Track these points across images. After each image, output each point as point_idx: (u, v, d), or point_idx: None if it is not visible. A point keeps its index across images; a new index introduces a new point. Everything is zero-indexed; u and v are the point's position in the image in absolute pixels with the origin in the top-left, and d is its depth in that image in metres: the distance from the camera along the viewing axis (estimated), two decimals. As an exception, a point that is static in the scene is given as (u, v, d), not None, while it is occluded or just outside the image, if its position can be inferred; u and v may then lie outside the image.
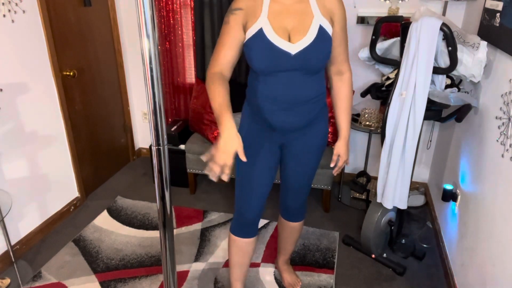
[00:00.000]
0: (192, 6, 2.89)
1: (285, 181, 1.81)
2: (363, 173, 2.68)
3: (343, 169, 3.02)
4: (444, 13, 2.47)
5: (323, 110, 1.63)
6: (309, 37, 1.41)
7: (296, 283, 2.14)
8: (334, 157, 1.69)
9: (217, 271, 2.26)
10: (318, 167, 1.79)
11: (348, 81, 1.64)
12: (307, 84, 1.49)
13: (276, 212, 2.81)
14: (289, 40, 1.41)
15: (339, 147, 1.67)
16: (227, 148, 1.26)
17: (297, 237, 2.03)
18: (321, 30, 1.42)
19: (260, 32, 1.40)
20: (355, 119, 2.76)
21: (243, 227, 1.77)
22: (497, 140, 1.69)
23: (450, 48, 1.81)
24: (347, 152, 1.69)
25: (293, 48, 1.41)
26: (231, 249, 1.84)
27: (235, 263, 1.87)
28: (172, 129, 3.00)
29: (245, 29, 1.44)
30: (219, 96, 1.36)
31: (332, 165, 1.69)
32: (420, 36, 1.82)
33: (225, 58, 1.46)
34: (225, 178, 1.25)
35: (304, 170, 1.74)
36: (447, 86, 2.01)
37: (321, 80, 1.55)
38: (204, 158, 1.30)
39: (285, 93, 1.48)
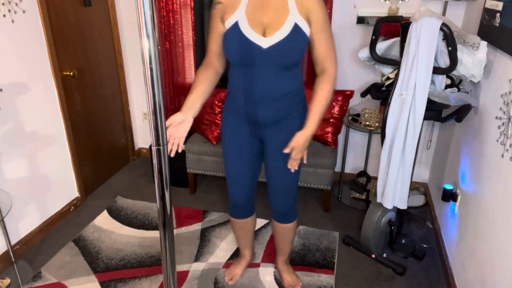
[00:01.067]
0: (192, 6, 2.89)
1: (268, 179, 1.84)
2: (363, 173, 2.68)
3: (343, 169, 3.01)
4: (444, 13, 2.47)
5: (299, 106, 1.63)
6: (282, 33, 1.45)
7: (296, 284, 2.14)
8: (289, 145, 1.53)
9: (217, 271, 2.26)
10: (300, 164, 1.68)
11: (329, 78, 1.55)
12: (279, 80, 1.52)
13: (276, 212, 2.81)
14: (264, 35, 1.46)
15: (297, 138, 1.52)
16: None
17: (291, 238, 2.04)
18: (296, 27, 1.45)
19: (236, 25, 1.48)
20: (355, 119, 2.76)
21: (236, 209, 1.95)
22: (497, 140, 1.69)
23: (450, 48, 1.81)
24: (303, 146, 1.53)
25: (265, 42, 1.45)
26: (233, 227, 2.07)
27: (239, 236, 2.11)
28: (172, 129, 2.99)
29: (223, 22, 1.53)
30: (195, 80, 1.61)
31: (286, 151, 1.55)
32: (420, 36, 1.82)
33: (212, 49, 1.60)
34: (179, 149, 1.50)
35: (281, 166, 1.72)
36: (447, 86, 2.01)
37: (296, 77, 1.57)
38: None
39: (257, 87, 1.54)
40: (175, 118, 1.48)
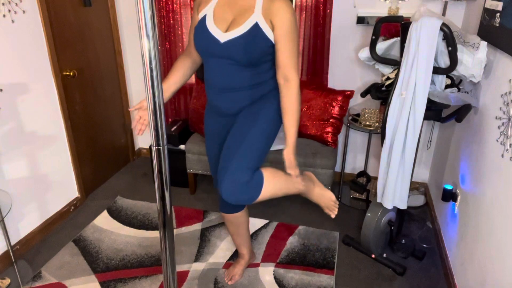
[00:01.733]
0: (192, 6, 2.89)
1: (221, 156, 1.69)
2: (363, 173, 2.68)
3: (343, 169, 3.02)
4: (444, 13, 2.47)
5: (268, 94, 1.64)
6: (241, 30, 1.50)
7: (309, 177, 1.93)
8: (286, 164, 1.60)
9: (217, 271, 2.26)
10: (263, 142, 1.62)
11: (294, 88, 1.56)
12: (238, 74, 1.57)
13: (276, 212, 2.81)
14: (226, 31, 1.54)
15: (285, 155, 1.58)
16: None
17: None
18: (256, 27, 1.50)
19: (203, 19, 1.58)
20: (355, 119, 2.76)
21: (224, 204, 1.96)
22: (497, 140, 1.69)
23: (450, 48, 1.82)
24: (293, 162, 1.58)
25: (223, 36, 1.53)
26: (225, 223, 2.11)
27: (232, 232, 2.11)
28: (172, 129, 3.00)
29: (198, 14, 1.64)
30: (169, 73, 1.73)
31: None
32: (420, 36, 1.82)
33: (190, 39, 1.71)
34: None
35: (239, 129, 1.62)
36: (447, 86, 2.01)
37: (259, 73, 1.60)
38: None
39: (216, 79, 1.62)
40: (144, 102, 1.63)
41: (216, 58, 1.58)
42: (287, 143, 1.60)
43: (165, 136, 1.00)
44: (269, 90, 1.65)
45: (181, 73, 1.73)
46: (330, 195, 1.84)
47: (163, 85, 1.67)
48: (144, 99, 1.55)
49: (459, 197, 2.12)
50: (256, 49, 1.52)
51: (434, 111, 2.04)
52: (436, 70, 1.89)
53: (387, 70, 2.30)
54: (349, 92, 2.69)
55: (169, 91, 1.71)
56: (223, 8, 1.56)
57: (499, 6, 1.76)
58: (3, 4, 2.09)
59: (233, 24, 1.53)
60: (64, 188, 2.74)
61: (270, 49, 1.55)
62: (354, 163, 3.15)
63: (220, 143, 1.81)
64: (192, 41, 1.70)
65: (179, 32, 2.99)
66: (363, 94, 2.40)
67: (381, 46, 2.19)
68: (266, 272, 2.25)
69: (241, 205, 1.98)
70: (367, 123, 2.67)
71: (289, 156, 1.59)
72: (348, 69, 2.84)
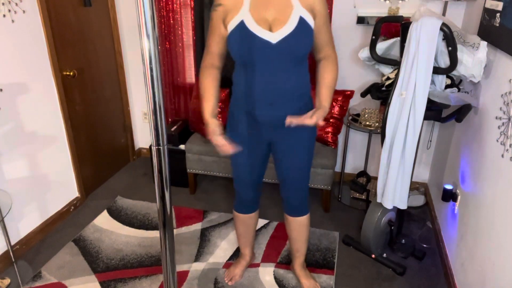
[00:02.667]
0: (192, 6, 2.89)
1: (280, 176, 1.87)
2: (363, 173, 2.68)
3: (343, 169, 3.02)
4: (444, 13, 2.47)
5: (309, 104, 1.67)
6: (290, 26, 1.47)
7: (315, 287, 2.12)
8: (308, 115, 1.49)
9: (217, 271, 2.26)
10: (312, 158, 1.81)
11: (335, 62, 1.64)
12: (290, 75, 1.53)
13: (276, 212, 2.81)
14: (270, 31, 1.47)
15: (317, 112, 1.49)
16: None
17: (306, 234, 2.05)
18: (301, 20, 1.48)
19: (242, 24, 1.48)
20: (355, 119, 2.76)
21: (242, 205, 2.00)
22: (497, 140, 1.69)
23: (450, 48, 1.81)
24: (322, 116, 1.50)
25: (273, 37, 1.47)
26: (236, 222, 2.10)
27: (240, 233, 2.12)
28: (172, 129, 3.00)
29: (225, 24, 1.53)
30: (201, 86, 1.62)
31: (307, 121, 1.49)
32: (420, 36, 1.82)
33: (213, 50, 1.61)
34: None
35: (296, 166, 1.78)
36: (447, 86, 2.01)
37: (305, 72, 1.59)
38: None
39: (268, 86, 1.54)
40: (219, 141, 1.53)
41: (265, 63, 1.51)
42: (322, 106, 1.54)
43: (165, 136, 1.00)
44: (308, 100, 1.66)
45: (215, 87, 1.64)
46: None
47: (208, 106, 1.58)
48: (214, 138, 1.54)
49: (459, 197, 2.12)
50: (307, 43, 1.51)
51: (434, 111, 2.04)
52: (436, 70, 1.89)
53: (387, 70, 2.30)
54: (349, 92, 2.69)
55: (216, 108, 1.62)
56: (260, 9, 1.48)
57: (499, 6, 1.76)
58: (3, 4, 2.09)
59: (276, 23, 1.48)
60: (64, 188, 2.74)
61: (312, 40, 1.54)
62: (354, 163, 3.15)
63: (256, 154, 1.78)
64: (216, 53, 1.61)
65: (179, 32, 2.99)
66: (363, 94, 2.40)
67: (381, 46, 2.19)
68: (266, 272, 2.25)
69: (256, 206, 2.02)
70: (367, 123, 2.67)
71: (320, 113, 1.48)
72: (348, 69, 2.84)
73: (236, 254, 2.38)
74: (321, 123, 1.50)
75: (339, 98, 2.68)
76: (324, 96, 1.61)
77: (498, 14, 1.77)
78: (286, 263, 2.32)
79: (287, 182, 1.86)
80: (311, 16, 1.50)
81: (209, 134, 1.57)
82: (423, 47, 1.82)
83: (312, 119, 1.46)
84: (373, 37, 2.10)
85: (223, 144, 1.55)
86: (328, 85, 1.62)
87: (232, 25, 1.50)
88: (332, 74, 1.64)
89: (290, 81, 1.55)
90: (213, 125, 1.55)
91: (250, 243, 2.19)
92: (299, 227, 2.00)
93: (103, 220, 2.71)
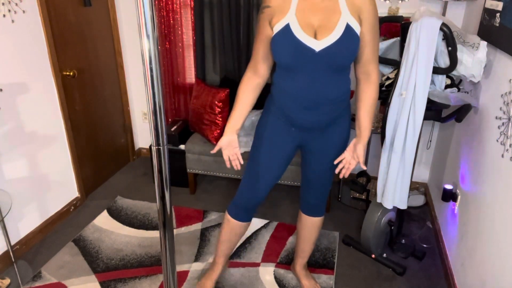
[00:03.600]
0: (192, 6, 2.89)
1: (307, 178, 1.85)
2: (363, 173, 2.68)
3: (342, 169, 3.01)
4: (444, 13, 2.47)
5: (346, 109, 1.66)
6: (335, 35, 1.41)
7: None
8: (348, 157, 1.65)
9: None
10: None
11: (375, 83, 1.58)
12: (331, 83, 1.50)
13: (276, 212, 2.81)
14: (315, 37, 1.42)
15: (360, 149, 1.62)
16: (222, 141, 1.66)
17: (316, 235, 2.04)
18: (348, 28, 1.41)
19: (287, 28, 1.43)
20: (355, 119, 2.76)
21: (240, 212, 1.88)
22: (497, 140, 1.69)
23: (450, 48, 1.81)
24: (364, 155, 1.64)
25: (317, 44, 1.42)
26: (224, 227, 1.96)
27: (225, 240, 2.00)
28: (172, 129, 3.00)
29: (271, 25, 1.49)
30: (238, 92, 1.65)
31: (340, 166, 1.66)
32: (420, 36, 1.82)
33: (259, 54, 1.58)
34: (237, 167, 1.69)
35: (325, 168, 1.77)
36: (447, 86, 2.01)
37: (347, 80, 1.56)
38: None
39: (308, 91, 1.51)
40: (222, 142, 1.65)
41: (306, 69, 1.47)
42: (363, 137, 1.62)
43: (165, 136, 1.00)
44: (346, 105, 1.64)
45: (251, 97, 1.65)
46: None
47: (235, 114, 1.65)
48: (220, 140, 1.66)
49: (459, 197, 2.12)
50: (353, 52, 1.45)
51: (434, 111, 2.04)
52: (436, 70, 1.89)
53: (387, 70, 2.30)
54: (349, 92, 2.69)
55: (242, 118, 1.66)
56: (306, 13, 1.43)
57: (499, 6, 1.76)
58: (3, 4, 2.09)
59: (322, 30, 1.42)
60: (64, 188, 2.74)
61: (358, 49, 1.48)
62: (354, 163, 3.15)
63: (282, 157, 1.74)
64: (262, 56, 1.58)
65: (179, 32, 2.99)
66: (363, 94, 2.39)
67: (381, 46, 2.19)
68: (267, 272, 2.25)
69: (252, 215, 1.93)
70: (367, 123, 2.67)
71: (362, 149, 1.62)
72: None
73: (236, 254, 2.38)
74: (361, 157, 1.62)
75: (339, 98, 2.67)
76: (365, 124, 1.61)
77: (498, 14, 1.77)
78: (286, 263, 2.32)
79: (312, 183, 1.84)
80: (358, 24, 1.44)
81: (221, 145, 1.65)
82: (423, 47, 1.82)
83: (356, 160, 1.64)
84: (373, 37, 2.10)
85: (234, 159, 1.67)
86: (370, 111, 1.61)
87: (277, 27, 1.46)
88: (373, 98, 1.60)
89: (330, 89, 1.51)
90: (229, 138, 1.65)
91: (228, 252, 2.06)
92: (312, 227, 1.99)
93: (103, 220, 2.71)
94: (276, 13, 1.47)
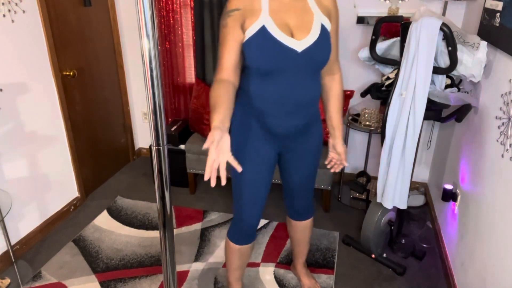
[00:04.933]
0: (192, 6, 2.89)
1: (290, 184, 1.79)
2: (363, 173, 2.68)
3: (342, 169, 3.02)
4: (444, 13, 2.47)
5: (319, 110, 1.64)
6: (314, 34, 1.39)
7: (315, 287, 2.12)
8: (335, 156, 1.67)
9: (217, 271, 2.26)
10: (319, 165, 1.81)
11: (340, 81, 1.62)
12: (310, 85, 1.47)
13: (276, 212, 2.81)
14: (293, 38, 1.38)
15: (339, 147, 1.64)
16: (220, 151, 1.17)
17: (310, 235, 2.02)
18: (323, 28, 1.42)
19: (263, 30, 1.34)
20: (355, 119, 2.76)
21: (244, 234, 1.74)
22: (497, 140, 1.69)
23: (450, 48, 1.81)
24: (345, 151, 1.67)
25: (299, 45, 1.37)
26: (232, 256, 1.81)
27: (236, 267, 1.86)
28: (172, 129, 3.00)
29: (243, 30, 1.38)
30: (214, 99, 1.31)
31: (330, 165, 1.69)
32: (420, 36, 1.82)
33: (229, 62, 1.40)
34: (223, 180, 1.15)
35: (307, 171, 1.74)
36: (447, 86, 2.01)
37: (319, 80, 1.55)
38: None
39: (291, 95, 1.44)
40: (214, 136, 1.15)
41: (289, 72, 1.40)
42: (337, 135, 1.64)
43: (165, 136, 1.00)
44: (317, 108, 1.62)
45: (230, 100, 1.35)
46: None
47: (219, 116, 1.24)
48: (210, 133, 1.16)
49: (459, 197, 2.12)
50: (329, 51, 1.44)
51: (434, 111, 2.04)
52: (436, 70, 1.89)
53: (387, 70, 2.30)
54: (349, 92, 2.69)
55: (228, 121, 1.26)
56: (280, 14, 1.37)
57: (499, 6, 1.76)
58: (3, 4, 2.09)
59: (298, 30, 1.38)
60: (64, 188, 2.74)
61: (331, 47, 1.47)
62: (354, 163, 3.15)
63: (268, 168, 1.62)
64: (232, 64, 1.40)
65: (179, 32, 2.99)
66: (363, 94, 2.40)
67: (381, 46, 2.19)
68: (267, 272, 2.25)
69: (255, 234, 1.79)
70: (367, 123, 2.67)
71: (342, 147, 1.64)
72: (348, 69, 2.84)
73: (236, 254, 2.38)
74: (344, 155, 1.65)
75: (339, 98, 2.67)
76: (337, 121, 1.63)
77: (498, 14, 1.77)
78: (286, 263, 2.32)
79: (296, 191, 1.80)
80: (329, 23, 1.44)
81: (214, 138, 1.15)
82: (423, 47, 1.82)
83: (344, 159, 1.65)
84: (373, 37, 2.10)
85: (222, 168, 1.14)
86: (340, 107, 1.63)
87: (252, 30, 1.35)
88: (341, 95, 1.63)
89: (309, 91, 1.48)
90: (221, 133, 1.18)
91: (242, 275, 1.96)
92: (304, 229, 1.97)
93: (103, 220, 2.71)
94: (247, 16, 1.36)
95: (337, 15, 1.50)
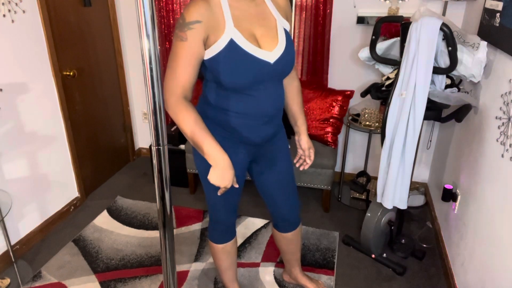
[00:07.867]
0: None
1: (270, 190, 1.71)
2: (363, 173, 2.68)
3: (343, 169, 3.02)
4: (444, 13, 2.47)
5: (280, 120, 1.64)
6: (282, 44, 1.35)
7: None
8: (306, 152, 1.68)
9: (217, 271, 2.26)
10: (292, 166, 1.76)
11: (296, 76, 1.64)
12: (280, 91, 1.45)
13: (276, 212, 2.81)
14: (260, 48, 1.32)
15: (304, 143, 1.66)
16: (225, 177, 1.32)
17: (301, 241, 1.98)
18: (286, 33, 1.39)
19: (232, 43, 1.26)
20: (355, 119, 2.76)
21: (224, 232, 1.77)
22: (497, 140, 1.69)
23: (450, 48, 1.82)
24: (310, 146, 1.66)
25: (271, 56, 1.32)
26: (218, 257, 1.83)
27: (226, 267, 1.88)
28: (172, 129, 3.00)
29: (206, 44, 1.27)
30: (189, 122, 1.27)
31: (299, 162, 1.71)
32: (420, 36, 1.82)
33: (186, 79, 1.28)
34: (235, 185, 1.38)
35: (282, 172, 1.68)
36: (447, 86, 2.01)
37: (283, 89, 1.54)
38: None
39: (267, 107, 1.40)
40: (227, 163, 1.30)
41: (263, 85, 1.36)
42: (302, 131, 1.66)
43: (165, 136, 1.00)
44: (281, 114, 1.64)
45: (196, 114, 1.31)
46: None
47: (210, 137, 1.30)
48: (226, 174, 1.31)
49: (459, 197, 2.12)
50: (294, 55, 1.41)
51: (434, 111, 2.04)
52: (436, 70, 1.89)
53: (387, 70, 2.30)
54: (349, 92, 2.69)
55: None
56: (243, 23, 1.30)
57: (499, 6, 1.76)
58: (3, 4, 2.09)
59: (264, 39, 1.32)
60: (64, 188, 2.74)
61: None
62: (354, 163, 3.15)
63: (242, 176, 1.59)
64: (191, 82, 1.29)
65: (179, 32, 2.99)
66: (363, 94, 2.40)
67: (381, 46, 2.19)
68: (266, 272, 2.25)
69: (235, 230, 1.82)
70: (367, 123, 2.67)
71: (307, 144, 1.66)
72: (348, 69, 2.84)
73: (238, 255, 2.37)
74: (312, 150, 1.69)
75: (339, 98, 2.68)
76: (301, 119, 1.66)
77: (498, 14, 1.77)
78: (286, 263, 2.32)
79: (276, 195, 1.71)
80: (288, 25, 1.41)
81: (225, 173, 1.30)
82: (423, 47, 1.82)
83: (308, 156, 1.68)
84: (373, 37, 2.10)
85: (235, 183, 1.37)
86: (301, 105, 1.67)
87: (219, 45, 1.26)
88: (300, 92, 1.66)
89: (281, 97, 1.46)
90: (227, 158, 1.31)
91: (236, 274, 1.97)
92: (294, 239, 1.89)
93: (103, 220, 2.71)
94: (210, 29, 1.25)
95: (291, 13, 1.49)
